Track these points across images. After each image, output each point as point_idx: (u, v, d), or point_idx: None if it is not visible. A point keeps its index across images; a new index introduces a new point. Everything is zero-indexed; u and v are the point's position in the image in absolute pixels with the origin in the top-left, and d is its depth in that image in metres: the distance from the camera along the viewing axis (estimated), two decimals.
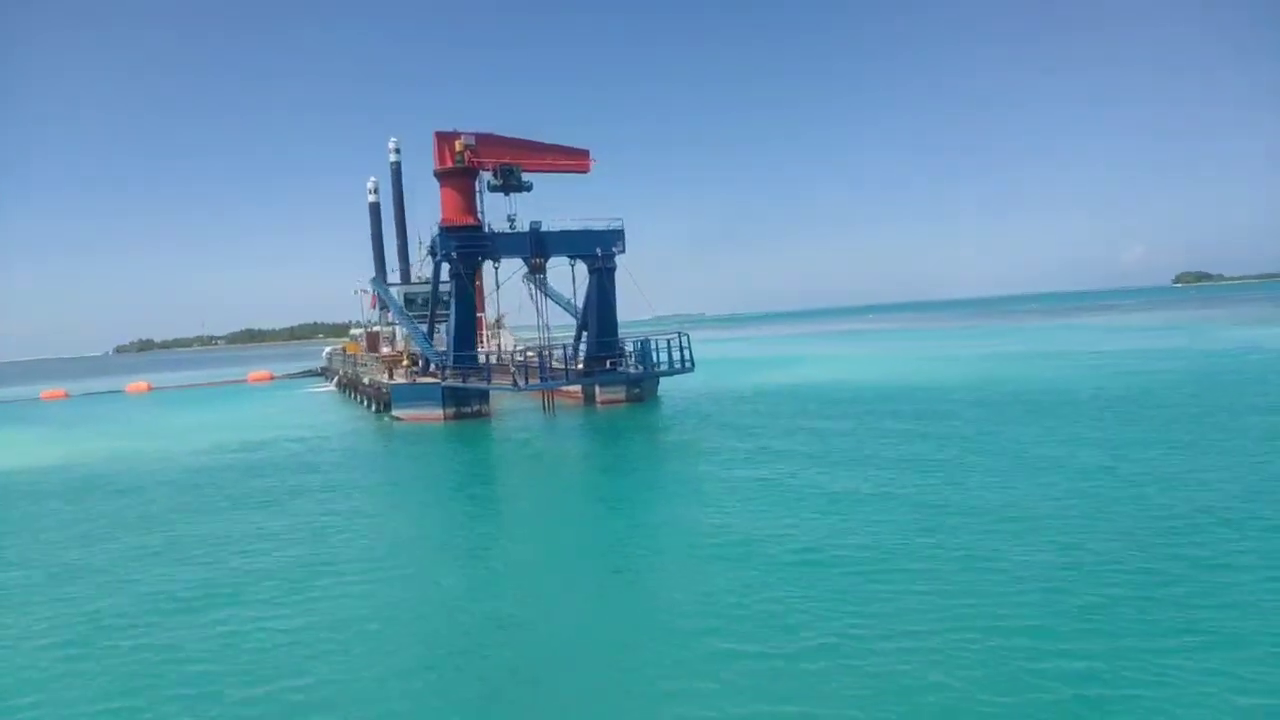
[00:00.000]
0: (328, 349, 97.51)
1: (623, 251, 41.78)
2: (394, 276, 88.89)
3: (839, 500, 18.90)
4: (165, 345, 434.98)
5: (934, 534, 15.75)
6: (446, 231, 39.94)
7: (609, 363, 41.08)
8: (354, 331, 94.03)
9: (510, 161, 40.64)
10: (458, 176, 40.51)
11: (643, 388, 42.03)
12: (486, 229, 40.70)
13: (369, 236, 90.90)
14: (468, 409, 39.44)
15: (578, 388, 42.73)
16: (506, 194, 41.10)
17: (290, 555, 17.61)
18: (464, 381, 39.10)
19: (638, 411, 39.11)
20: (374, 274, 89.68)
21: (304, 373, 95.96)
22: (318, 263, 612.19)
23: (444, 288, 58.40)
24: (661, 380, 43.24)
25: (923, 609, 12.14)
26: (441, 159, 40.44)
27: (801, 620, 12.04)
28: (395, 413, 41.04)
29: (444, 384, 39.40)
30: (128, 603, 15.05)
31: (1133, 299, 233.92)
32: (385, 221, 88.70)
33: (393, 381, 42.81)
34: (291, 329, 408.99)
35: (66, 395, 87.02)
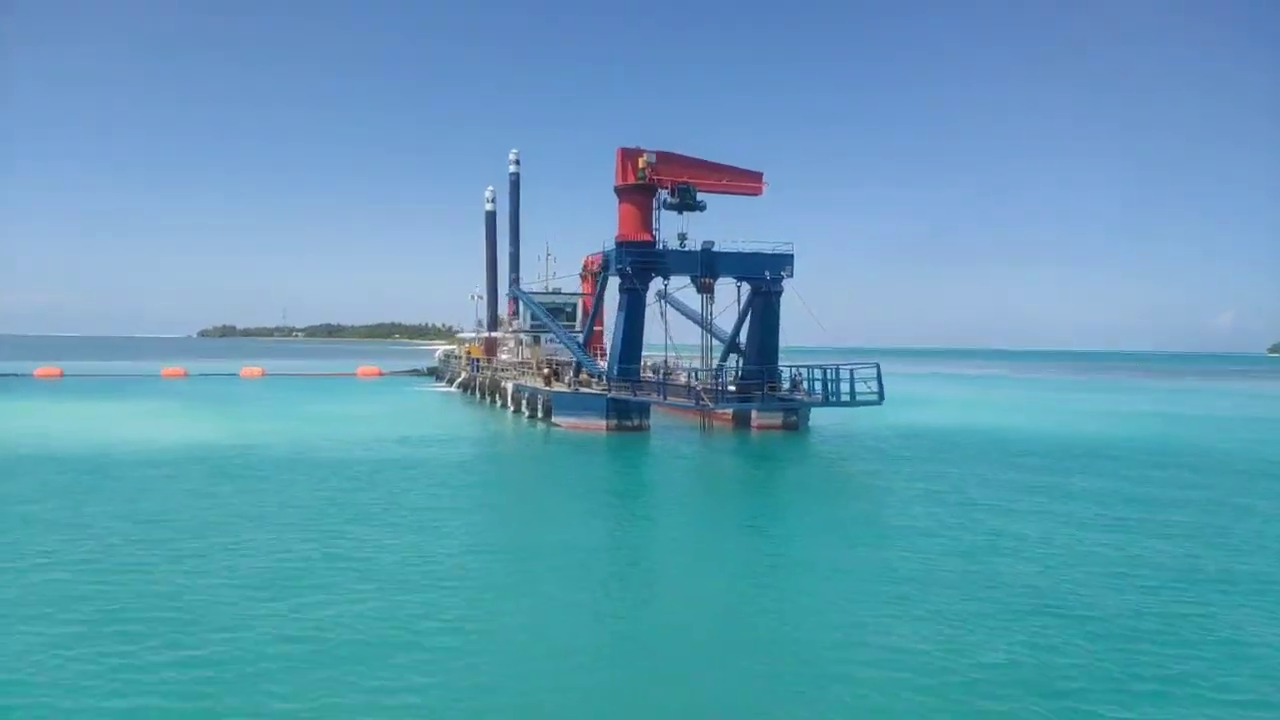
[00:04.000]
0: (440, 350, 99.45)
1: (790, 276, 41.87)
2: (503, 284, 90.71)
3: (1047, 554, 18.21)
4: (246, 333, 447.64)
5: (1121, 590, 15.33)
6: (623, 246, 40.52)
7: (767, 387, 41.06)
8: (463, 335, 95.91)
9: (687, 181, 41.09)
10: (637, 193, 41.11)
11: (799, 415, 41.92)
12: (660, 246, 41.20)
13: (482, 244, 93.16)
14: (629, 422, 39.75)
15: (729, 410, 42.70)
16: (680, 212, 41.54)
17: (529, 541, 18.11)
18: (634, 394, 39.49)
19: (795, 439, 39.00)
20: (485, 280, 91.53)
21: (410, 371, 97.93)
22: (398, 265, 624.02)
23: (561, 299, 59.66)
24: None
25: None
26: (624, 175, 41.05)
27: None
28: (556, 420, 41.54)
29: (610, 395, 39.79)
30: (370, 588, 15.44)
31: (1237, 364, 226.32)
32: (500, 231, 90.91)
33: (552, 389, 43.33)
34: (370, 327, 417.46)
35: (185, 374, 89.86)
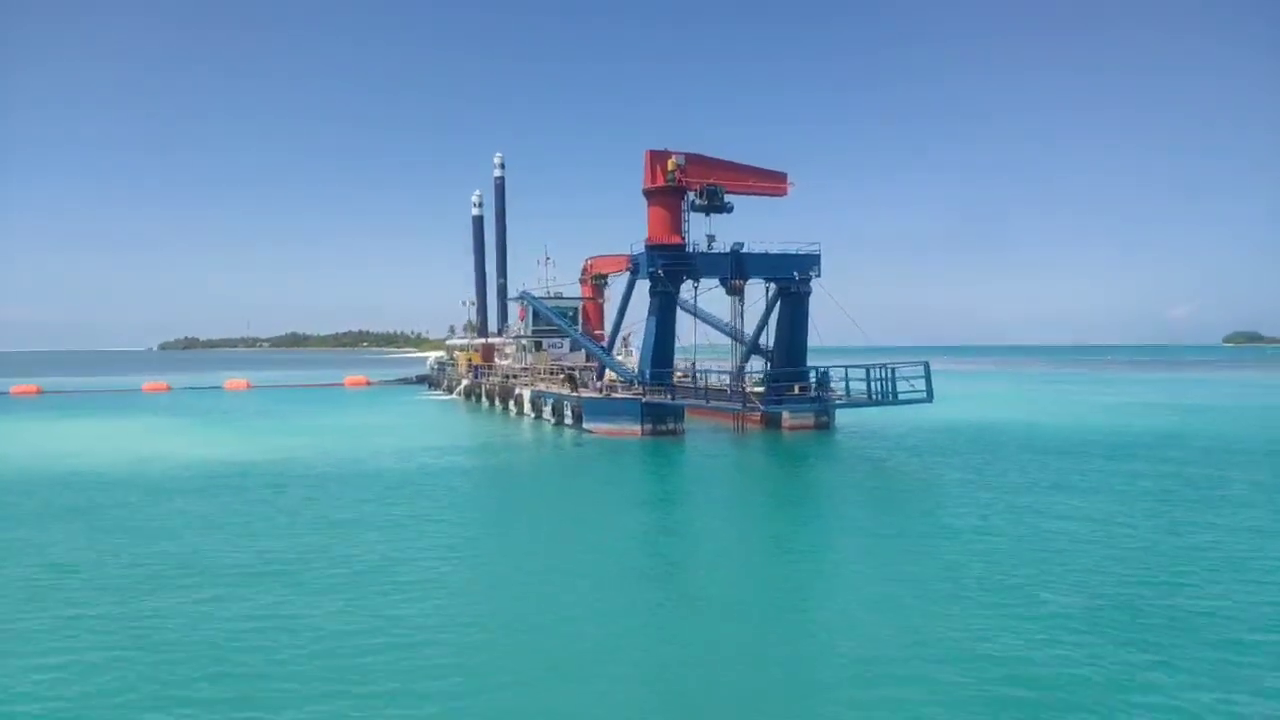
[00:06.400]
0: (432, 357, 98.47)
1: (818, 276, 41.81)
2: (491, 289, 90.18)
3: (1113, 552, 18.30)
4: (210, 344, 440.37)
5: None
6: (653, 249, 40.16)
7: (798, 388, 40.91)
8: (452, 341, 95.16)
9: (714, 182, 40.87)
10: (667, 195, 40.73)
11: (829, 415, 41.92)
12: (690, 248, 40.92)
13: (471, 249, 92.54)
14: (664, 426, 39.39)
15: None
16: (708, 214, 41.32)
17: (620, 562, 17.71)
18: (671, 398, 39.11)
19: (827, 438, 38.94)
20: (473, 285, 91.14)
21: (400, 380, 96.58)
22: (363, 272, 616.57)
23: (564, 304, 59.11)
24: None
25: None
26: (653, 177, 40.68)
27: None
28: (587, 426, 41.02)
29: (644, 400, 39.38)
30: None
31: (1198, 355, 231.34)
32: (486, 235, 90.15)
33: (582, 395, 42.80)
34: (337, 335, 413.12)
35: (169, 389, 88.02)
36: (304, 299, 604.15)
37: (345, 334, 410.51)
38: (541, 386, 49.95)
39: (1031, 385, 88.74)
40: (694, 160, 40.92)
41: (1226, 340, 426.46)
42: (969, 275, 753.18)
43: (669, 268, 39.80)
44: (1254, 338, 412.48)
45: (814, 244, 41.70)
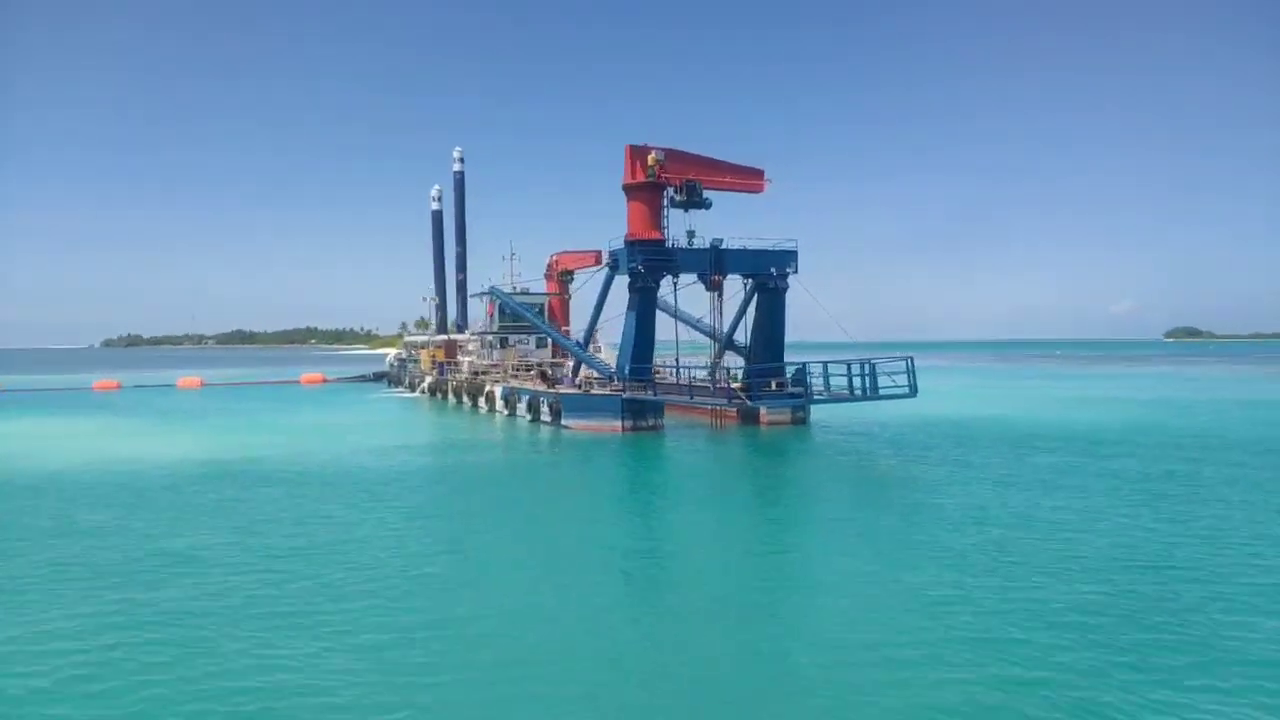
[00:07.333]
0: (391, 354, 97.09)
1: (795, 272, 41.99)
2: (451, 285, 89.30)
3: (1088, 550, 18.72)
4: (154, 341, 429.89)
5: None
6: (634, 244, 39.96)
7: (775, 384, 41.02)
8: (410, 338, 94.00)
9: (693, 178, 40.79)
10: (646, 191, 40.57)
11: (805, 410, 42.15)
12: (671, 244, 40.81)
13: (429, 243, 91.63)
14: (644, 422, 39.25)
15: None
16: (686, 210, 41.24)
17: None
18: (654, 394, 38.96)
19: (805, 433, 39.17)
20: (432, 282, 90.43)
21: (357, 377, 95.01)
22: (310, 269, 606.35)
23: (531, 299, 58.73)
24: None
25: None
26: (632, 173, 40.48)
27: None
28: (566, 422, 40.69)
29: (625, 396, 39.18)
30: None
31: (1140, 350, 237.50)
32: (445, 230, 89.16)
33: (560, 391, 42.46)
34: (285, 332, 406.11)
35: (120, 386, 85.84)
36: (250, 295, 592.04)
37: (294, 330, 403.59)
38: (514, 383, 49.44)
39: (987, 380, 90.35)
40: (673, 156, 40.81)
41: (1168, 336, 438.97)
42: (929, 275, 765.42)
43: (650, 263, 39.65)
44: (1193, 333, 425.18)
45: (790, 240, 41.95)
